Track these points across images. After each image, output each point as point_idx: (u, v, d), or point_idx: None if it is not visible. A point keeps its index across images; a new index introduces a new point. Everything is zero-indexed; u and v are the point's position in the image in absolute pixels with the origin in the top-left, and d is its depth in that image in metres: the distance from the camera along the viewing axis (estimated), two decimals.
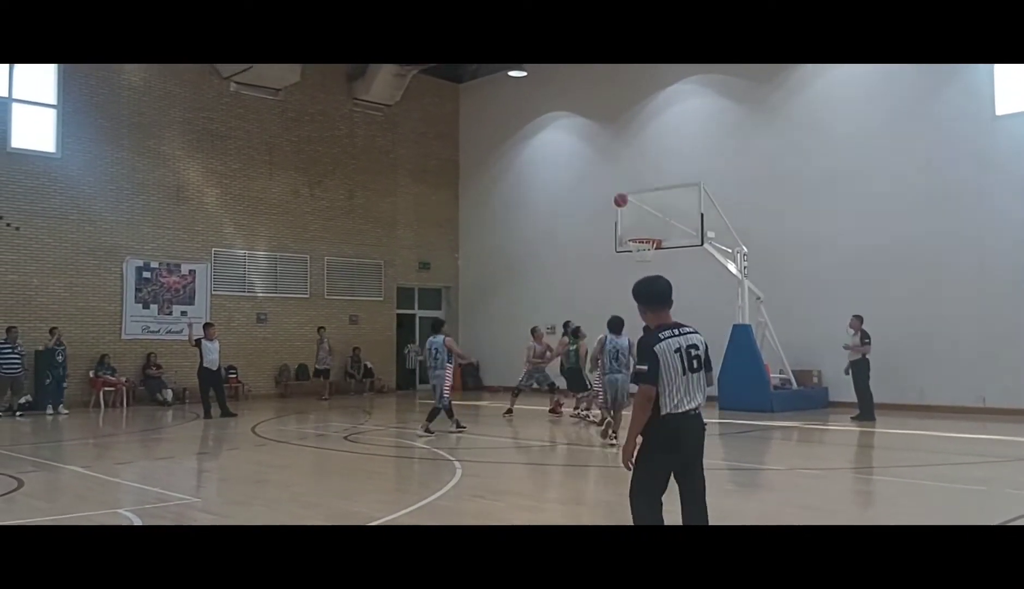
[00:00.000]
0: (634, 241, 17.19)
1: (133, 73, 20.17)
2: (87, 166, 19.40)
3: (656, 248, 16.95)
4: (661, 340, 4.81)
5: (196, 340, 16.68)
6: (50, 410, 17.38)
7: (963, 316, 16.45)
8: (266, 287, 22.17)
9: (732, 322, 17.26)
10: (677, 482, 4.88)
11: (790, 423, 15.25)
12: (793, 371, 17.82)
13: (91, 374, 18.88)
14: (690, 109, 21.02)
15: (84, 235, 19.26)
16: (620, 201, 16.97)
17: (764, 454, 12.60)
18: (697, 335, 4.95)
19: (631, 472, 4.87)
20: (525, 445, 13.50)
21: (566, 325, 16.27)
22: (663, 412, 4.75)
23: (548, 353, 16.51)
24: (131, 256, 19.93)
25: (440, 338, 13.33)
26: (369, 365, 23.49)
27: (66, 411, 17.48)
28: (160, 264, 20.39)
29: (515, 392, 16.48)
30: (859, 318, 15.32)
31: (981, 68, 16.45)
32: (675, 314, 5.05)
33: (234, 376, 20.46)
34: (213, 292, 21.17)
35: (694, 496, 4.87)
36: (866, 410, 15.07)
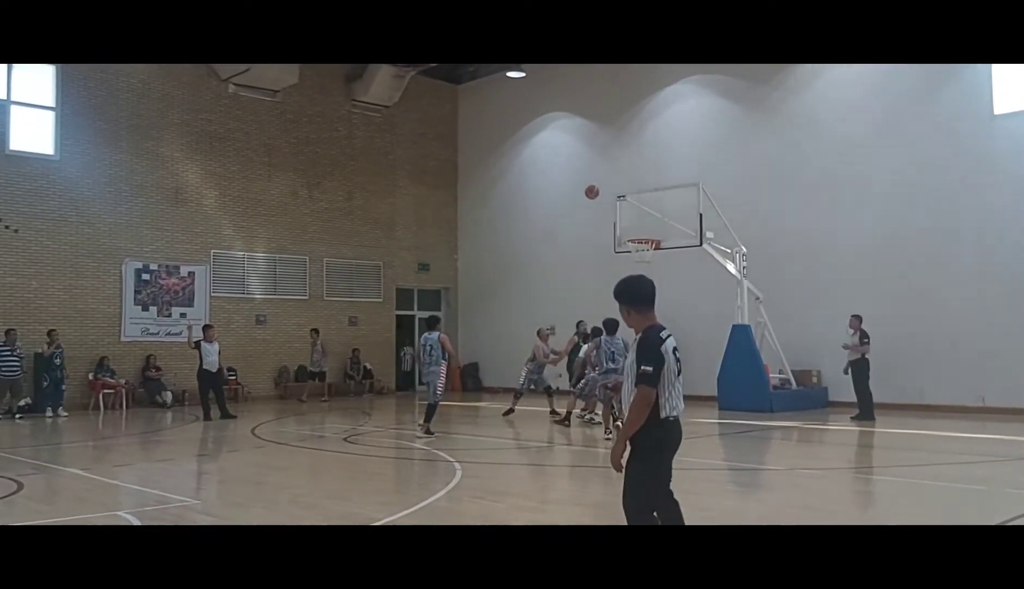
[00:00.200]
0: (633, 241, 17.20)
1: (132, 75, 20.16)
2: (86, 168, 19.39)
3: (655, 248, 16.97)
4: (663, 340, 4.68)
5: (195, 342, 16.70)
6: (49, 413, 17.37)
7: (963, 316, 16.45)
8: (265, 289, 22.17)
9: (731, 322, 17.29)
10: None
11: (790, 423, 15.25)
12: (792, 371, 17.82)
13: (90, 376, 18.86)
14: (689, 109, 21.02)
15: (83, 237, 19.26)
16: (590, 193, 16.89)
17: (764, 454, 12.59)
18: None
19: (632, 484, 4.69)
20: (525, 446, 13.50)
21: (579, 325, 16.84)
22: (662, 415, 4.62)
23: (552, 355, 16.58)
24: (130, 258, 19.92)
25: (435, 335, 13.34)
26: (368, 366, 23.49)
27: (65, 413, 17.47)
28: (159, 266, 20.38)
29: (517, 394, 16.52)
30: (858, 318, 15.32)
31: (979, 68, 16.45)
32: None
33: (233, 378, 20.45)
34: (212, 294, 21.16)
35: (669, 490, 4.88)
36: (866, 410, 15.07)
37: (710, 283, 18.41)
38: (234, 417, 16.40)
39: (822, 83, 18.74)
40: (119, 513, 7.85)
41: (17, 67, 18.71)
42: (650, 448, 4.67)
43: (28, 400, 17.44)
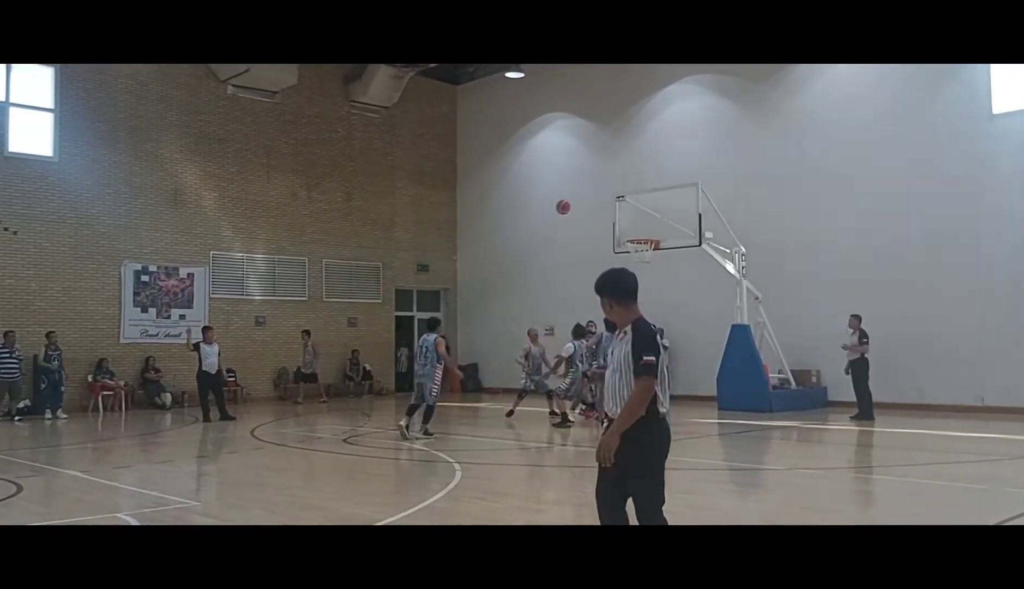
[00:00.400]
0: (632, 242, 17.19)
1: (130, 76, 20.16)
2: (84, 170, 19.38)
3: (654, 249, 16.97)
4: (655, 332, 4.57)
5: (194, 344, 16.70)
6: (49, 414, 17.35)
7: (962, 315, 16.44)
8: (264, 290, 22.16)
9: (731, 322, 17.28)
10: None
11: (789, 423, 15.25)
12: (792, 371, 17.82)
13: (89, 378, 18.84)
14: (688, 109, 21.03)
15: (82, 239, 19.24)
16: (563, 208, 16.91)
17: (764, 454, 12.59)
18: None
19: (640, 486, 4.53)
20: (525, 446, 13.49)
21: (587, 326, 16.76)
22: (662, 411, 4.50)
23: (553, 365, 16.47)
24: (129, 260, 19.92)
25: (432, 337, 13.29)
26: (368, 367, 23.48)
27: (65, 415, 17.44)
28: (158, 267, 20.37)
29: (520, 394, 16.52)
30: (857, 317, 15.33)
31: (978, 67, 16.46)
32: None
33: (233, 379, 20.44)
34: (211, 295, 21.14)
35: None
36: (865, 409, 15.08)
37: (709, 283, 18.41)
38: (233, 418, 16.39)
39: (821, 83, 18.75)
40: (118, 515, 7.85)
41: (16, 69, 18.71)
42: (651, 443, 4.51)
43: (27, 402, 17.43)
